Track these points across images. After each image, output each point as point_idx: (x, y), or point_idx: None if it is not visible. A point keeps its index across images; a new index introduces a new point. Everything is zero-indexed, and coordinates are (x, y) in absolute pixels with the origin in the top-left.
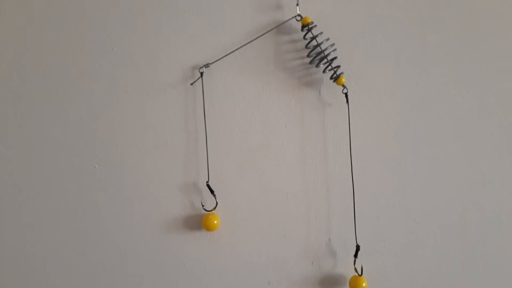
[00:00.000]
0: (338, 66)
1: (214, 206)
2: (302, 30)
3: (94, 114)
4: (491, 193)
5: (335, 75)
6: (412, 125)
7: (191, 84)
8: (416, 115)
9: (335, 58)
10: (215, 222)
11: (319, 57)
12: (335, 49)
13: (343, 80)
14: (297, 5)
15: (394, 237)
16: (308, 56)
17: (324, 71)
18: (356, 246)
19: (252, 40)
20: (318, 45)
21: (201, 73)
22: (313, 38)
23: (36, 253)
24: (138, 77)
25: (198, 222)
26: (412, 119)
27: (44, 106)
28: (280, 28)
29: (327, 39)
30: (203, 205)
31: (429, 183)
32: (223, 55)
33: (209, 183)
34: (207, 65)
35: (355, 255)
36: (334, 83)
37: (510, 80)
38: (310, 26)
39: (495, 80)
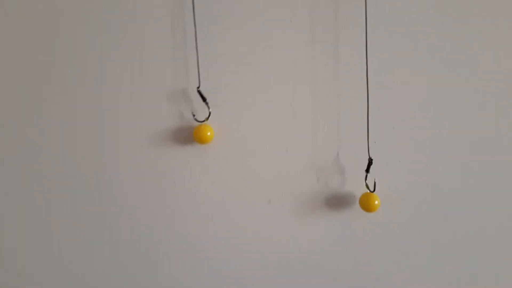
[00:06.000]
0: None
1: (207, 116)
2: None
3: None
4: None
5: None
6: (442, 24)
7: None
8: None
9: None
10: (208, 133)
11: None
12: None
13: None
14: None
15: (411, 152)
16: None
17: None
18: (369, 159)
19: None
20: None
21: None
22: None
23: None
24: None
25: (189, 134)
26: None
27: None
28: None
29: None
30: (194, 115)
31: (456, 94)
32: None
33: (200, 88)
34: None
35: (367, 170)
36: None
37: None
38: None
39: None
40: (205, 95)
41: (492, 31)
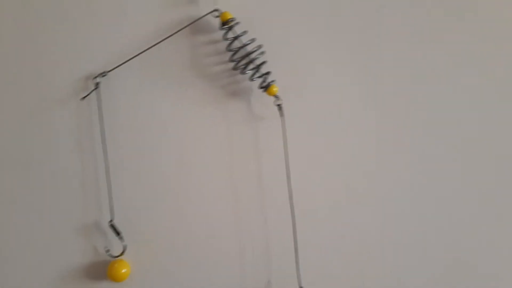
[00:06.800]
0: (268, 73)
1: (122, 250)
2: (221, 28)
3: None
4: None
5: (264, 83)
6: (359, 140)
7: (82, 98)
8: (363, 127)
9: (264, 62)
10: (124, 270)
11: (244, 62)
12: (263, 52)
13: (275, 89)
14: None
15: (344, 275)
16: (231, 61)
17: (251, 79)
18: None
19: (160, 41)
20: (242, 47)
21: (96, 84)
22: (236, 38)
23: None
24: (16, 94)
25: (103, 271)
26: (359, 133)
27: None
28: (195, 26)
29: (253, 40)
30: (107, 251)
31: (380, 206)
32: (124, 61)
33: (114, 222)
34: (103, 74)
35: None
36: (265, 93)
37: None
38: (231, 24)
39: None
40: (119, 228)
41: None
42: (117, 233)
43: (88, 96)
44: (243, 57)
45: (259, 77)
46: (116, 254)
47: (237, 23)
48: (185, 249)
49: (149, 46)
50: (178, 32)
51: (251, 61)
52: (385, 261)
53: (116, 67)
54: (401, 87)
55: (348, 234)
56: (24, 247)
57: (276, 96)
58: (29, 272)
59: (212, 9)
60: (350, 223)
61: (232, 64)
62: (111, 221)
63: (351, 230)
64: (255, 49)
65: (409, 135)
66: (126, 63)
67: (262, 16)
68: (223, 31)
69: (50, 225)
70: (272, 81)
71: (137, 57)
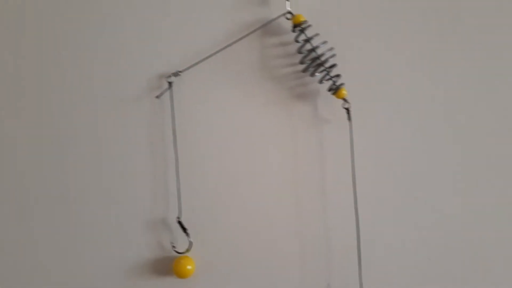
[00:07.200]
0: (338, 76)
1: (188, 247)
2: (293, 31)
3: (39, 135)
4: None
5: (334, 86)
6: (426, 147)
7: (157, 97)
8: (432, 134)
9: (334, 65)
10: (189, 267)
11: (314, 64)
12: (334, 55)
13: (344, 92)
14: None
15: (405, 280)
16: (301, 63)
17: (321, 82)
18: None
19: (232, 43)
20: (313, 49)
21: (170, 83)
22: (307, 40)
23: None
24: (93, 90)
25: (168, 266)
26: (427, 139)
27: None
28: (266, 28)
29: (324, 42)
30: (173, 247)
31: (445, 215)
32: (197, 61)
33: (181, 219)
34: (176, 74)
35: None
36: (333, 96)
37: None
38: (303, 26)
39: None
40: (186, 225)
41: None
42: (184, 230)
43: (161, 95)
44: (313, 60)
45: (329, 79)
46: (182, 251)
47: (309, 26)
48: (248, 249)
49: (221, 47)
50: (250, 34)
51: (321, 64)
52: (449, 266)
53: (189, 67)
54: (472, 92)
55: (412, 239)
56: (94, 241)
57: (344, 99)
58: (98, 265)
59: (284, 11)
60: (414, 229)
61: (302, 66)
62: (178, 218)
63: (415, 236)
64: (326, 51)
65: (476, 140)
66: (197, 64)
67: (333, 19)
68: (294, 33)
69: (119, 220)
70: (342, 84)
71: (209, 58)
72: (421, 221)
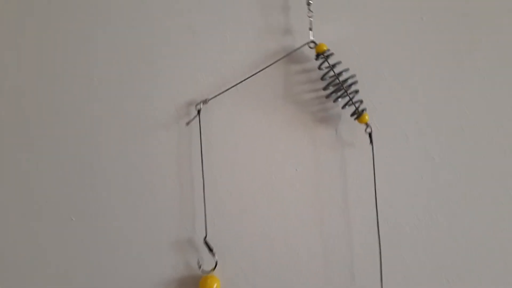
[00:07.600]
0: (361, 101)
1: (214, 266)
2: (316, 59)
3: (70, 159)
4: None
5: (357, 111)
6: (448, 171)
7: (187, 124)
8: (453, 159)
9: (356, 91)
10: (215, 285)
11: (337, 90)
12: (356, 81)
13: (367, 117)
14: (310, 29)
15: None
16: (324, 89)
17: (343, 107)
18: None
19: (257, 72)
20: (336, 76)
21: (198, 111)
22: (331, 68)
23: None
24: (123, 116)
25: (194, 285)
26: (448, 164)
27: (12, 146)
28: (290, 56)
29: (346, 70)
30: (200, 265)
31: (467, 240)
32: (224, 89)
33: (207, 238)
34: (205, 101)
35: None
36: (355, 121)
37: None
38: (326, 55)
39: None
40: (211, 245)
41: None
42: (210, 250)
43: (190, 122)
44: (336, 87)
45: (351, 104)
46: (208, 269)
47: (331, 54)
48: (271, 269)
49: (247, 75)
50: (274, 63)
51: (344, 91)
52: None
53: (218, 95)
54: (500, 115)
55: (433, 261)
56: (123, 261)
57: (367, 124)
58: (126, 284)
59: (308, 41)
60: (434, 254)
61: (325, 93)
62: (205, 237)
63: (435, 259)
64: (349, 78)
65: (501, 164)
66: (224, 92)
67: (354, 47)
68: (318, 61)
69: (147, 240)
70: (364, 109)
71: (235, 86)
72: (440, 244)
